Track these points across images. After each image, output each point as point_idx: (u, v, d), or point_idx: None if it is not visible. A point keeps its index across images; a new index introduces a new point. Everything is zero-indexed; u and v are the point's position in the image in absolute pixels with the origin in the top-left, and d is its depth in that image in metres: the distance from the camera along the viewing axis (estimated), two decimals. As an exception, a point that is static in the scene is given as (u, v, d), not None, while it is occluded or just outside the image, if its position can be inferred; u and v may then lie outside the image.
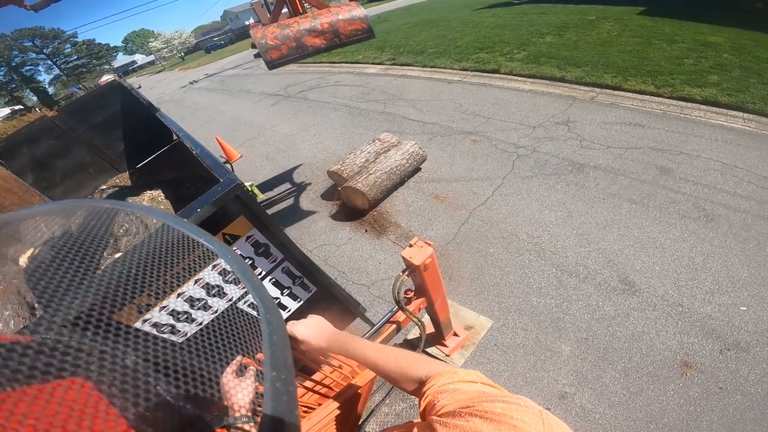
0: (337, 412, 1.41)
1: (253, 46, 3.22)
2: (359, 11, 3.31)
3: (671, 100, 5.23)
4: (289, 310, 2.10)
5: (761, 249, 2.98)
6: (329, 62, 12.91)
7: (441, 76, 8.52)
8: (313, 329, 1.06)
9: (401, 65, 10.14)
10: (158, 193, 4.10)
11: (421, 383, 0.80)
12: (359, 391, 1.54)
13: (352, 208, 4.52)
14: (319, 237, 4.35)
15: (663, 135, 4.57)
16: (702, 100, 5.00)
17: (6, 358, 0.41)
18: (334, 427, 1.42)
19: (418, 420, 0.80)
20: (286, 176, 5.93)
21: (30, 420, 0.37)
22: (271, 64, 3.14)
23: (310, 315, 1.12)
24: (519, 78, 7.20)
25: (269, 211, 5.00)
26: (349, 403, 1.51)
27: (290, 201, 5.24)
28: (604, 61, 6.66)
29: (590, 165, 4.33)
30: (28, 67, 45.69)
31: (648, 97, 5.46)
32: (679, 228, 3.31)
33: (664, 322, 2.64)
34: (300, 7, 3.49)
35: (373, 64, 11.04)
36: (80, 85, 47.66)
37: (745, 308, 2.62)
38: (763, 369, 2.29)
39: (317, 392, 1.51)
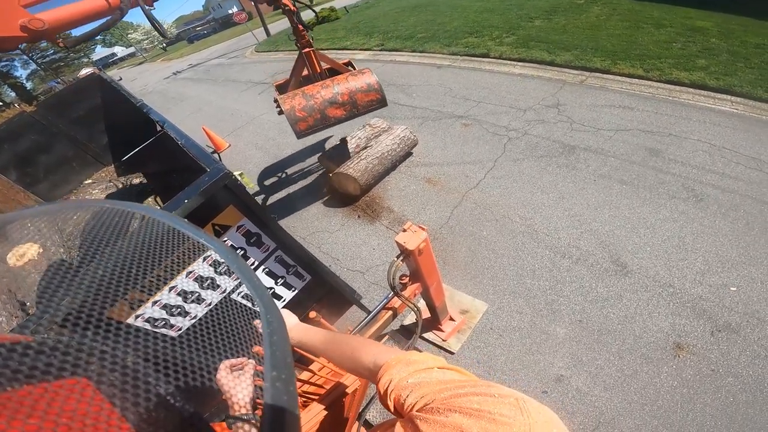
0: (334, 407, 1.41)
1: (278, 104, 3.51)
2: (372, 79, 3.64)
3: (660, 84, 5.24)
4: (283, 300, 2.08)
5: (750, 229, 3.03)
6: (317, 49, 12.65)
7: (430, 61, 8.42)
8: None
9: (390, 51, 10.00)
10: (145, 184, 4.02)
11: (372, 372, 0.79)
12: (358, 380, 1.53)
13: (344, 194, 4.49)
14: (312, 224, 4.32)
15: (652, 117, 4.59)
16: (690, 84, 5.01)
17: (6, 358, 0.41)
18: (337, 417, 1.41)
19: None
20: (276, 164, 5.86)
21: (32, 420, 0.37)
22: (300, 135, 3.50)
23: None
24: (509, 62, 7.14)
25: (260, 200, 4.95)
26: (347, 395, 1.50)
27: (281, 189, 5.18)
28: (594, 45, 6.62)
29: (581, 147, 4.34)
30: (3, 63, 44.23)
31: (637, 80, 5.45)
32: (669, 208, 3.34)
33: (656, 303, 2.68)
34: (318, 67, 3.88)
35: (361, 50, 10.87)
36: (59, 80, 46.33)
37: (734, 289, 2.65)
38: (753, 351, 2.33)
39: (315, 383, 1.50)
